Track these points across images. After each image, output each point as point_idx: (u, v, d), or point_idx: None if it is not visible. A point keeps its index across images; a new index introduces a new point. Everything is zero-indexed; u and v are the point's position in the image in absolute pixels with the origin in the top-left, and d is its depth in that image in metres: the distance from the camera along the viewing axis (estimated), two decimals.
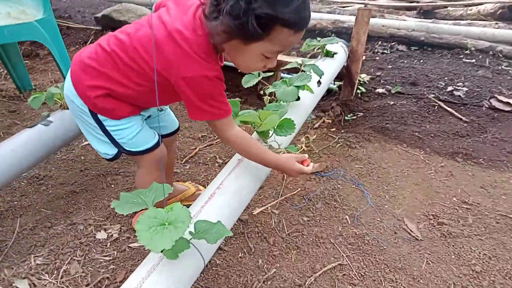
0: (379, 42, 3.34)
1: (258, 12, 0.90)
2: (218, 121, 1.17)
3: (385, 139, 2.23)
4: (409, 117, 2.38)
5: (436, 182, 1.91)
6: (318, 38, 2.34)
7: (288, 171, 1.29)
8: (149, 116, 1.50)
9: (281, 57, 2.68)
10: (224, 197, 1.25)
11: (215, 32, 0.98)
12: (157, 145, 1.38)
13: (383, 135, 2.26)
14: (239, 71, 1.79)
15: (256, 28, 0.91)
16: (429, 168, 2.01)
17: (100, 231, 1.63)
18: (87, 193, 1.85)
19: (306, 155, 1.33)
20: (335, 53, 2.29)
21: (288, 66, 1.93)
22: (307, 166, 1.31)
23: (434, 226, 1.67)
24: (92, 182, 1.92)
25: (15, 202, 1.78)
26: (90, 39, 3.44)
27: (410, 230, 1.64)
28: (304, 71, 1.89)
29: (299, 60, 2.59)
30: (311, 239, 1.61)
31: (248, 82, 1.83)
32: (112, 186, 1.90)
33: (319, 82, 1.93)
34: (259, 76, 1.84)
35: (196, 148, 2.20)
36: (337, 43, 2.23)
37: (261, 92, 1.98)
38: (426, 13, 3.74)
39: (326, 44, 2.26)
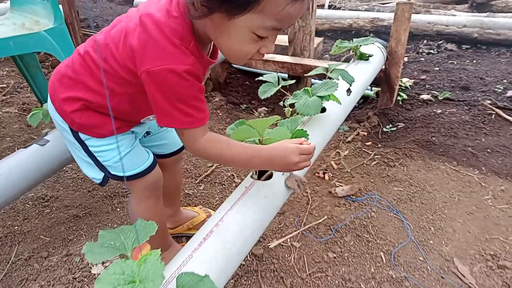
0: (424, 41, 2.97)
1: None
2: (186, 130, 0.93)
3: (431, 155, 1.90)
4: (460, 129, 2.03)
5: (494, 211, 1.57)
6: (353, 40, 2.06)
7: (287, 160, 0.97)
8: (148, 133, 1.31)
9: (308, 61, 2.41)
10: (222, 239, 1.02)
11: (193, 3, 0.78)
12: (149, 169, 1.18)
13: (428, 150, 1.93)
14: (262, 78, 1.59)
15: None
16: (486, 193, 1.65)
17: (96, 264, 1.46)
18: (90, 217, 1.70)
19: (303, 138, 1.05)
20: (370, 56, 2.00)
21: (314, 72, 1.67)
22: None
23: (493, 269, 1.34)
24: (98, 205, 1.77)
25: (16, 227, 1.66)
26: None
27: (462, 275, 1.32)
28: (331, 78, 1.62)
29: (326, 64, 2.32)
30: (336, 281, 1.34)
31: (265, 92, 1.59)
32: (118, 210, 1.73)
33: (349, 91, 1.65)
34: (278, 84, 1.59)
35: (212, 166, 1.99)
36: (373, 43, 1.94)
37: (282, 103, 1.73)
38: (480, 6, 3.30)
39: (359, 45, 1.97)
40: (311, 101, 1.45)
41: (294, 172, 1.22)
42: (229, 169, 1.98)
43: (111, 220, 1.67)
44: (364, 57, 1.99)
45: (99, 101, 1.02)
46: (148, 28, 0.85)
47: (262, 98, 1.58)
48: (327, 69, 1.68)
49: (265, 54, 0.89)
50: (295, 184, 1.21)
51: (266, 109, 2.69)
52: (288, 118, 1.47)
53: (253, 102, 2.81)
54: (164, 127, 1.32)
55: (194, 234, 1.57)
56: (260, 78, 1.60)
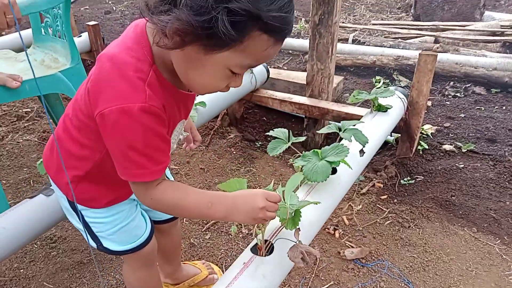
0: (451, 83, 2.85)
1: (233, 6, 0.63)
2: (135, 183, 0.85)
3: (449, 217, 1.79)
4: (483, 187, 1.91)
5: None
6: (378, 81, 1.99)
7: (252, 204, 0.88)
8: None
9: (325, 104, 2.35)
10: None
11: (164, 32, 0.68)
12: (145, 243, 1.15)
13: (447, 211, 1.82)
14: (272, 133, 1.55)
15: (229, 29, 0.64)
16: (507, 267, 1.54)
17: None
18: (93, 265, 1.69)
19: (279, 195, 0.93)
20: (389, 108, 1.92)
21: (326, 130, 1.61)
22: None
23: None
24: None
25: (21, 270, 1.67)
26: None
27: None
28: (341, 136, 1.56)
29: (343, 108, 2.25)
30: None
31: (274, 149, 1.55)
32: (121, 257, 1.71)
33: (361, 152, 1.58)
34: (288, 140, 1.55)
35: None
36: (392, 95, 1.86)
37: (291, 160, 1.68)
38: None
39: (377, 98, 1.90)
40: (320, 166, 1.39)
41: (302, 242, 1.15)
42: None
43: (114, 268, 1.66)
44: (382, 108, 1.92)
45: (86, 167, 0.95)
46: (102, 65, 0.79)
47: (271, 155, 1.54)
48: (339, 129, 1.62)
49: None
50: (299, 256, 1.14)
51: None
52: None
53: (269, 139, 2.77)
54: None
55: None
56: (270, 133, 1.56)
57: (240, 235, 1.83)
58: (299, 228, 1.14)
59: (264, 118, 2.90)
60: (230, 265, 1.65)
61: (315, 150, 1.46)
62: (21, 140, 2.71)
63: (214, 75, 0.76)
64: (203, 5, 0.63)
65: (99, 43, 3.42)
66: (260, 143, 2.66)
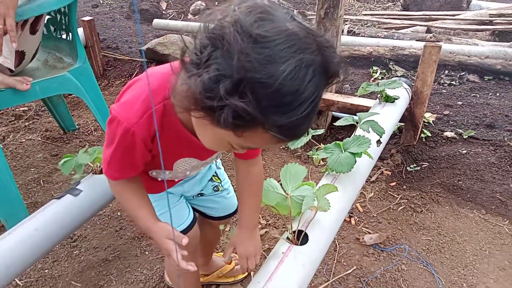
0: (446, 71, 2.96)
1: (241, 106, 0.59)
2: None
3: (458, 201, 1.89)
4: (487, 171, 2.02)
5: None
6: (375, 72, 2.05)
7: (157, 243, 0.98)
8: (201, 194, 1.31)
9: (330, 95, 2.41)
10: None
11: (179, 91, 0.67)
12: (184, 232, 1.19)
13: (455, 195, 1.92)
14: None
15: (230, 122, 0.61)
16: None
17: None
18: (119, 261, 1.71)
19: (185, 240, 0.92)
20: (397, 98, 1.99)
21: (343, 122, 1.67)
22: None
23: None
24: (126, 247, 1.78)
25: (46, 271, 1.68)
26: (135, 72, 3.38)
27: None
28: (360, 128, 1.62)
29: (349, 99, 2.31)
30: None
31: (294, 142, 1.60)
32: (147, 253, 1.75)
33: (378, 142, 1.65)
34: (308, 134, 1.60)
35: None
36: (400, 86, 1.93)
37: (311, 153, 1.73)
38: (503, 35, 3.28)
39: (385, 89, 1.97)
40: (343, 157, 1.44)
41: None
42: None
43: (140, 264, 1.69)
44: (390, 99, 1.99)
45: None
46: (143, 76, 0.86)
47: (291, 148, 1.59)
48: (356, 122, 1.68)
49: None
50: None
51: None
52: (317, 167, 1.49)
53: None
54: (218, 192, 1.32)
55: (223, 282, 1.59)
56: None
57: (259, 226, 1.88)
58: None
59: None
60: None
61: (337, 142, 1.52)
62: (24, 140, 2.67)
63: (216, 142, 0.76)
64: (214, 90, 0.60)
65: (95, 38, 3.37)
66: None
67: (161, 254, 1.72)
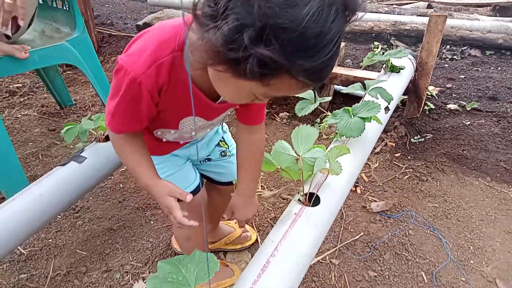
0: (447, 46, 2.94)
1: (266, 54, 0.57)
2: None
3: (463, 169, 1.89)
4: (491, 141, 2.02)
5: None
6: (376, 47, 2.03)
7: (157, 202, 0.98)
8: (208, 159, 1.29)
9: (336, 69, 2.39)
10: (279, 271, 1.02)
11: (198, 45, 0.65)
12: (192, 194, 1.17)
13: (460, 164, 1.92)
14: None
15: (256, 71, 0.60)
16: None
17: (138, 280, 1.46)
18: (125, 230, 1.70)
19: (189, 197, 0.93)
20: (402, 68, 1.98)
21: (350, 90, 1.65)
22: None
23: None
24: (131, 217, 1.77)
25: (50, 240, 1.66)
26: None
27: None
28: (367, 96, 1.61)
29: (352, 72, 2.29)
30: None
31: (302, 109, 1.58)
32: (152, 222, 1.73)
33: (387, 109, 1.63)
34: (315, 101, 1.58)
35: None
36: (406, 56, 1.92)
37: (318, 120, 1.72)
38: (503, 10, 3.27)
39: (390, 59, 1.95)
40: (353, 122, 1.43)
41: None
42: (259, 181, 1.97)
43: (146, 233, 1.67)
44: (395, 69, 1.97)
45: None
46: (153, 28, 0.84)
47: (299, 115, 1.57)
48: (363, 84, 1.66)
49: None
50: None
51: (287, 114, 2.67)
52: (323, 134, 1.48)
53: (274, 106, 2.79)
54: (225, 157, 1.31)
55: (231, 249, 1.59)
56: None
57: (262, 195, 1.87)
58: None
59: None
60: (260, 224, 1.70)
61: (345, 108, 1.50)
62: (20, 115, 2.62)
63: (239, 95, 0.74)
64: (237, 40, 0.58)
65: (89, 13, 3.29)
66: (266, 110, 2.67)
67: (167, 223, 1.71)
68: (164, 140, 1.08)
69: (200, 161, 1.29)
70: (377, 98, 1.58)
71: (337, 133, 1.51)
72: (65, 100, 2.68)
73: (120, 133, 0.92)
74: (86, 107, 2.71)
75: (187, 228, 0.93)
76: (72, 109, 2.69)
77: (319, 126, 1.62)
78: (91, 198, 1.89)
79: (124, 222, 1.74)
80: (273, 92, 0.69)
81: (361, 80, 2.29)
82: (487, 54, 2.85)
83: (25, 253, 1.59)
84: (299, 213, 1.17)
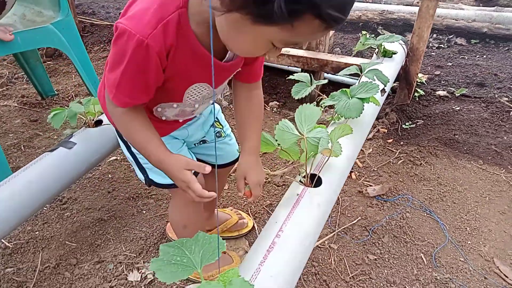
0: (434, 35, 2.97)
1: None
2: (107, 95, 0.86)
3: (455, 153, 1.91)
4: (480, 126, 2.04)
5: None
6: (365, 36, 2.02)
7: (172, 178, 0.93)
8: (204, 141, 1.25)
9: (324, 55, 2.37)
10: (285, 251, 0.99)
11: None
12: None
13: (452, 148, 1.94)
14: (293, 76, 1.55)
15: (284, 10, 0.59)
16: None
17: (132, 270, 1.41)
18: (116, 220, 1.63)
19: (208, 168, 0.89)
20: (395, 53, 1.97)
21: (346, 72, 1.63)
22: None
23: None
24: (121, 207, 1.70)
25: (37, 233, 1.58)
26: None
27: (505, 275, 1.34)
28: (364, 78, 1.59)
29: (343, 59, 2.29)
30: (381, 284, 1.34)
31: (298, 92, 1.55)
32: (144, 212, 1.67)
33: (383, 91, 1.62)
34: (311, 84, 1.56)
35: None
36: (398, 41, 1.91)
37: (316, 103, 1.69)
38: (486, 0, 3.32)
39: (383, 43, 1.95)
40: (352, 103, 1.41)
41: None
42: None
43: (139, 223, 1.61)
44: (388, 54, 1.97)
45: None
46: None
47: (296, 98, 1.54)
48: (360, 69, 1.64)
49: None
50: None
51: (278, 103, 2.65)
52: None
53: (263, 95, 2.76)
54: (220, 138, 1.27)
55: (228, 236, 1.55)
56: (292, 77, 1.56)
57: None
58: None
59: None
60: (256, 211, 1.67)
61: (343, 89, 1.48)
62: None
63: (256, 44, 0.72)
64: None
65: (70, 1, 3.16)
66: None
67: (160, 212, 1.66)
68: (163, 118, 1.04)
69: (195, 144, 1.25)
70: (374, 80, 1.56)
71: (333, 117, 1.49)
72: (46, 90, 2.57)
73: (126, 106, 0.85)
74: (69, 97, 2.62)
75: (206, 200, 0.90)
76: (55, 99, 2.59)
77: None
78: (78, 189, 1.82)
79: (114, 212, 1.67)
80: (294, 37, 0.68)
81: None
82: (472, 42, 2.89)
83: (11, 246, 1.51)
84: (302, 194, 1.14)
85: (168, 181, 1.08)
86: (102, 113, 1.55)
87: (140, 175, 1.13)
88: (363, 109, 1.38)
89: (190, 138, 1.20)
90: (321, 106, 1.55)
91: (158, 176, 1.09)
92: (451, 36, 2.91)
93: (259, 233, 1.25)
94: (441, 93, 2.30)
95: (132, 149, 1.08)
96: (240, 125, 1.10)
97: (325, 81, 1.62)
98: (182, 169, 0.88)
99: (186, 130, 1.16)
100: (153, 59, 0.76)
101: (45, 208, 1.70)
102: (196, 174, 1.17)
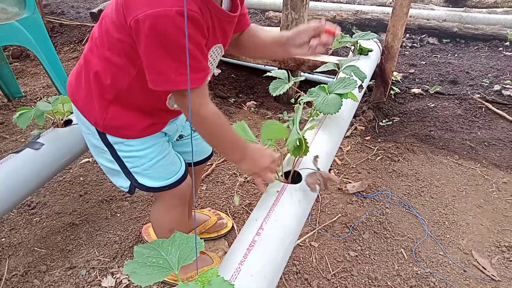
0: (407, 35, 3.02)
1: None
2: (184, 92, 0.80)
3: (432, 149, 1.93)
4: (455, 122, 2.08)
5: (501, 203, 1.62)
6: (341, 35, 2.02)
7: (258, 162, 0.96)
8: (180, 137, 1.20)
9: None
10: (266, 249, 0.96)
11: None
12: (181, 180, 1.08)
13: (428, 144, 1.96)
14: (271, 73, 1.52)
15: None
16: (490, 185, 1.71)
17: (106, 276, 1.34)
18: (88, 224, 1.56)
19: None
20: (371, 50, 1.98)
21: (323, 68, 1.62)
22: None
23: (511, 261, 1.38)
24: (94, 210, 1.63)
25: (3, 239, 1.49)
26: (86, 37, 3.11)
27: (483, 267, 1.35)
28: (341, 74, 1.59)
29: (319, 58, 2.29)
30: (363, 280, 1.32)
31: (276, 89, 1.52)
32: (118, 215, 1.61)
33: (360, 87, 1.62)
34: (289, 81, 1.53)
35: (212, 164, 1.90)
36: (373, 38, 1.92)
37: (293, 100, 1.67)
38: (455, 1, 3.41)
39: (358, 41, 1.95)
40: (330, 99, 1.39)
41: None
42: (230, 167, 1.90)
43: (113, 226, 1.55)
44: (364, 51, 1.97)
45: (116, 89, 0.90)
46: None
47: (273, 95, 1.51)
48: (337, 65, 1.64)
49: None
50: (315, 182, 1.14)
51: (255, 102, 2.62)
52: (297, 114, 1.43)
53: (240, 95, 2.73)
54: (195, 132, 1.22)
55: (206, 237, 1.50)
56: (269, 74, 1.54)
57: (237, 184, 1.81)
58: (317, 156, 1.15)
59: (232, 75, 2.84)
60: (235, 211, 1.62)
61: (321, 85, 1.46)
62: None
63: None
64: None
65: (37, 1, 3.04)
66: (233, 99, 2.61)
67: (135, 215, 1.59)
68: (175, 106, 0.99)
69: (173, 142, 1.21)
70: (351, 76, 1.56)
71: (311, 113, 1.48)
72: (13, 91, 2.46)
73: (203, 81, 0.80)
74: (38, 99, 2.50)
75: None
76: (22, 101, 2.47)
77: (294, 106, 1.58)
78: (48, 193, 1.73)
79: (87, 216, 1.60)
80: None
81: None
82: (443, 42, 2.96)
83: None
84: (281, 191, 1.12)
85: (158, 183, 1.04)
86: (71, 113, 1.48)
87: (123, 182, 1.05)
88: (342, 105, 1.37)
89: (176, 134, 1.16)
90: (299, 103, 1.53)
91: (149, 179, 1.03)
92: (424, 35, 2.97)
93: (238, 233, 1.22)
94: (416, 90, 2.33)
95: (119, 153, 0.99)
96: (265, 46, 1.09)
97: (302, 78, 1.61)
98: (267, 149, 0.97)
99: (175, 124, 1.12)
100: (199, 22, 0.75)
101: (11, 214, 1.61)
102: (187, 172, 1.13)
